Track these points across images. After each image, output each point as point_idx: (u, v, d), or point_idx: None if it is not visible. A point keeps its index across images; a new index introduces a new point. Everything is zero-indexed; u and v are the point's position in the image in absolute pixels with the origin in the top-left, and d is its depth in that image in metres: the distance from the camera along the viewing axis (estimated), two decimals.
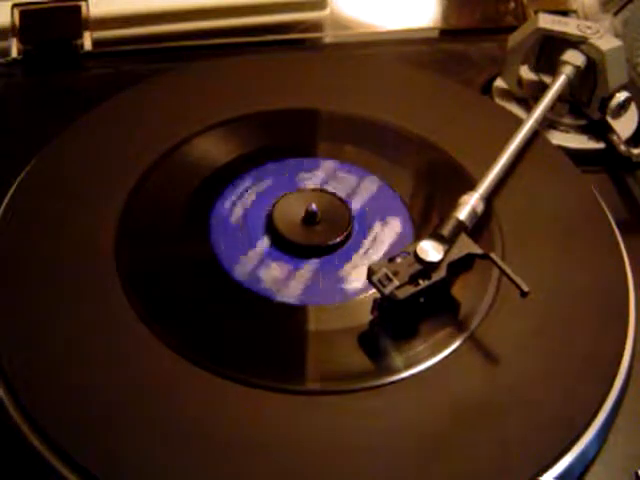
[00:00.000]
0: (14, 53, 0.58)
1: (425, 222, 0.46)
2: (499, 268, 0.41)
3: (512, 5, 0.64)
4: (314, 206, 0.45)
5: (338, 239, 0.44)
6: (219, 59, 0.57)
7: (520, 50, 0.54)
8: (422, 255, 0.40)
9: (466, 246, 0.42)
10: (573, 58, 0.52)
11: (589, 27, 0.53)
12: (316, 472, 0.36)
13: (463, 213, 0.43)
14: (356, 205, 0.46)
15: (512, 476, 0.37)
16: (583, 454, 0.38)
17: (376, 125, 0.51)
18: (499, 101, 0.56)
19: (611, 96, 0.52)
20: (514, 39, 0.55)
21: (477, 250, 0.42)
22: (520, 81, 0.56)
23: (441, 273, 0.41)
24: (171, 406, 0.38)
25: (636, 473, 0.38)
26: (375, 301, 0.41)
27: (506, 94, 0.56)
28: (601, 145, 0.54)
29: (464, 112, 0.52)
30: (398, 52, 0.61)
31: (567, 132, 0.54)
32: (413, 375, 0.39)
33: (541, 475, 0.36)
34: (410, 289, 0.40)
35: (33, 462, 0.37)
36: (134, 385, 0.38)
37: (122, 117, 0.51)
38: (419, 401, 0.39)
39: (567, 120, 0.54)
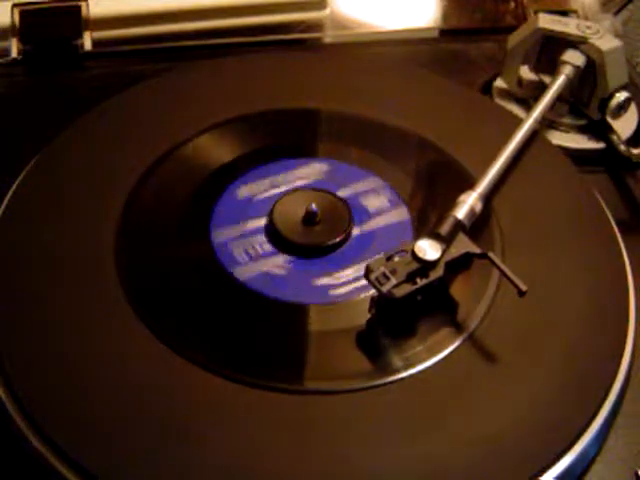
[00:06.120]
0: (14, 53, 0.58)
1: (424, 221, 0.46)
2: (497, 267, 0.41)
3: (512, 5, 0.64)
4: (314, 206, 0.45)
5: (338, 239, 0.44)
6: (219, 59, 0.57)
7: (520, 50, 0.54)
8: (420, 254, 0.40)
9: (464, 245, 0.42)
10: (573, 58, 0.52)
11: (589, 27, 0.53)
12: (315, 472, 0.36)
13: (461, 212, 0.43)
14: (354, 203, 0.46)
15: (512, 476, 0.37)
16: (583, 454, 0.38)
17: (376, 125, 0.51)
18: (499, 101, 0.56)
19: (611, 96, 0.52)
20: (514, 39, 0.55)
21: (475, 249, 0.42)
22: (520, 81, 0.56)
23: (439, 272, 0.41)
24: (170, 406, 0.38)
25: (636, 473, 0.38)
26: (373, 299, 0.41)
27: (506, 94, 0.56)
28: (601, 145, 0.53)
29: (464, 112, 0.53)
30: (398, 52, 0.61)
31: (567, 132, 0.54)
32: (412, 375, 0.39)
33: (541, 475, 0.36)
34: (408, 287, 0.40)
35: (33, 462, 0.37)
36: (134, 385, 0.38)
37: (122, 117, 0.51)
38: (418, 401, 0.39)
39: (567, 120, 0.54)
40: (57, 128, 0.49)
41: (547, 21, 0.54)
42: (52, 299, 0.41)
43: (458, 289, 0.42)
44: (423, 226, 0.45)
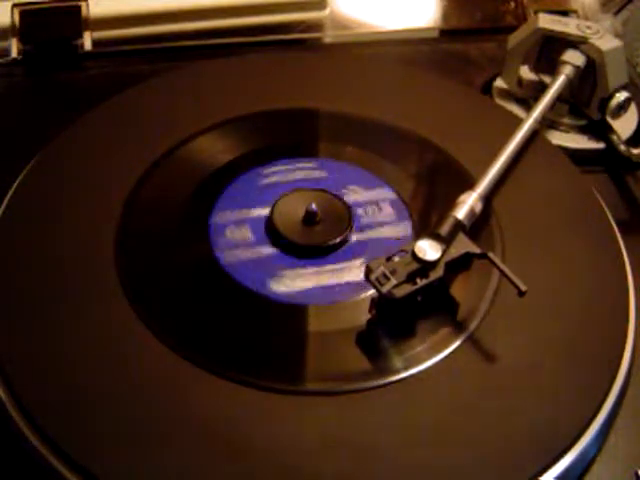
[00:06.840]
0: (14, 53, 0.58)
1: (425, 222, 0.46)
2: (497, 267, 0.41)
3: (512, 5, 0.64)
4: (314, 206, 0.45)
5: (338, 239, 0.44)
6: (219, 59, 0.57)
7: (520, 50, 0.54)
8: (420, 254, 0.40)
9: (464, 245, 0.42)
10: (573, 58, 0.52)
11: (589, 27, 0.53)
12: (315, 472, 0.36)
13: (461, 212, 0.43)
14: (354, 204, 0.46)
15: (512, 476, 0.37)
16: (583, 454, 0.38)
17: (376, 125, 0.51)
18: (499, 101, 0.56)
19: (611, 96, 0.52)
20: (514, 39, 0.55)
21: (475, 249, 0.42)
22: (520, 81, 0.56)
23: (439, 272, 0.41)
24: (170, 406, 0.38)
25: (636, 473, 0.38)
26: (373, 300, 0.41)
27: (506, 94, 0.56)
28: (601, 145, 0.53)
29: (464, 112, 0.53)
30: (398, 52, 0.61)
31: (567, 132, 0.54)
32: (412, 375, 0.39)
33: (541, 475, 0.36)
34: (408, 288, 0.40)
35: (33, 462, 0.37)
36: (134, 385, 0.38)
37: (122, 117, 0.51)
38: (418, 401, 0.39)
39: (567, 120, 0.54)
40: (57, 128, 0.49)
41: (547, 21, 0.54)
42: (52, 299, 0.41)
43: (458, 289, 0.42)
44: (423, 226, 0.45)
